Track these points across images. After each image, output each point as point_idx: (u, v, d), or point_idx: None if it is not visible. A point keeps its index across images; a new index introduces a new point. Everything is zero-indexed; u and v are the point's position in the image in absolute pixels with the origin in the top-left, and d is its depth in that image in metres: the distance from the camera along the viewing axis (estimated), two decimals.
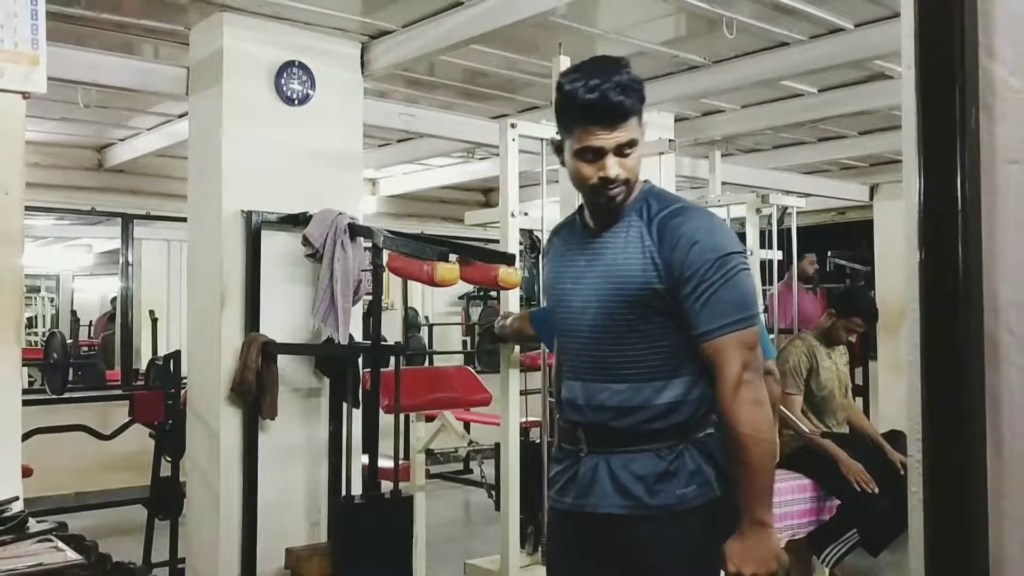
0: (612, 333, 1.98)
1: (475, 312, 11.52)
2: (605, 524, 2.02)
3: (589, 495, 2.03)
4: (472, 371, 5.25)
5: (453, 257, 3.50)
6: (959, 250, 0.79)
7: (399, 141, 6.99)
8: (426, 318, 11.04)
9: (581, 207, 2.12)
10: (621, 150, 1.92)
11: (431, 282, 3.47)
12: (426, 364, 9.39)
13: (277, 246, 4.12)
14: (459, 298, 11.52)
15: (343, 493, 3.76)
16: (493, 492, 4.30)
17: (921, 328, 0.82)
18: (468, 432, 6.85)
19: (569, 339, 2.09)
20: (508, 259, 3.55)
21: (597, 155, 1.92)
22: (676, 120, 6.08)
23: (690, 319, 1.92)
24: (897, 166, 7.48)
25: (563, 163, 2.04)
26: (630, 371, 1.97)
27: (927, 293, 0.81)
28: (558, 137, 2.03)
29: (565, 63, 4.01)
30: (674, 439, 1.97)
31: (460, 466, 7.33)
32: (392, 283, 9.71)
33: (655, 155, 4.15)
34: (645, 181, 2.06)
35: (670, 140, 4.19)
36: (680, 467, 1.96)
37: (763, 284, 5.90)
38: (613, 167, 1.92)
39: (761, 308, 3.28)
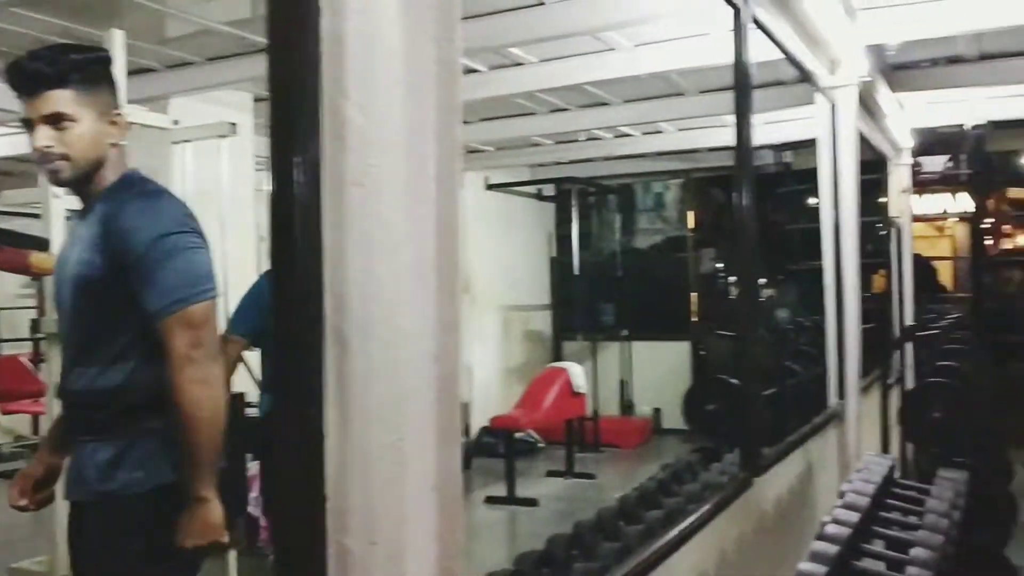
0: (80, 319, 2.03)
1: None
2: (75, 511, 2.09)
3: (67, 483, 2.09)
4: (24, 361, 4.87)
5: None
6: (301, 261, 0.97)
7: None
8: None
9: None
10: (50, 121, 1.95)
11: None
12: None
13: None
14: (32, 280, 10.45)
15: None
16: None
17: (275, 325, 0.99)
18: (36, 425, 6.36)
19: (61, 323, 2.11)
20: (41, 243, 3.34)
21: (29, 127, 1.97)
22: (256, 100, 6.05)
23: (140, 302, 1.94)
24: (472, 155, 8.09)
25: None
26: (96, 354, 2.00)
27: (278, 293, 0.97)
28: None
29: (119, 36, 3.84)
30: (131, 425, 2.00)
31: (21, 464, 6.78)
32: None
33: (215, 138, 4.12)
34: (134, 170, 2.09)
35: (231, 123, 4.16)
36: (130, 454, 1.99)
37: None
38: (41, 138, 1.95)
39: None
